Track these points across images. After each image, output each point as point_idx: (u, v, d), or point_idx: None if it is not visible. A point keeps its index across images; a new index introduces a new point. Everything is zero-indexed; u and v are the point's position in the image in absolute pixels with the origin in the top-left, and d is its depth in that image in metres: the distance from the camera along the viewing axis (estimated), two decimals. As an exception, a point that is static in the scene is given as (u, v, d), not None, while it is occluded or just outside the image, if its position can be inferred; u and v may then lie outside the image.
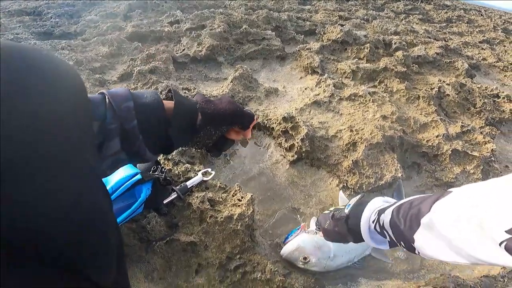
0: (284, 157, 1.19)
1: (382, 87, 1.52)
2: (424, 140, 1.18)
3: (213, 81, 1.72)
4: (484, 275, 0.86)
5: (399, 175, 1.04)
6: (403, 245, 0.49)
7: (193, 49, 1.92)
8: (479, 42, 3.11)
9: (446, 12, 5.23)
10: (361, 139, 1.14)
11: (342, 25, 2.66)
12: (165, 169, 0.93)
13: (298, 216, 1.01)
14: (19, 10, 2.69)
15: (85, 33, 2.20)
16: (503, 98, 1.52)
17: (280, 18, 2.34)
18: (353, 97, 1.39)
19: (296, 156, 1.15)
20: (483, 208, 0.35)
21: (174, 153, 1.05)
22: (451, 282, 0.79)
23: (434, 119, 1.27)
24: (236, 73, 1.56)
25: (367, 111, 1.29)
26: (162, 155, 1.05)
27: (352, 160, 1.08)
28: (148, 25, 2.31)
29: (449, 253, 0.40)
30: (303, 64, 1.78)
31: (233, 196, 0.94)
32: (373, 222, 0.54)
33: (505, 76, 2.08)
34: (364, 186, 1.04)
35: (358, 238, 0.58)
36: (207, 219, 0.85)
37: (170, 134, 0.45)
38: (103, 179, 0.32)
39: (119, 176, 0.85)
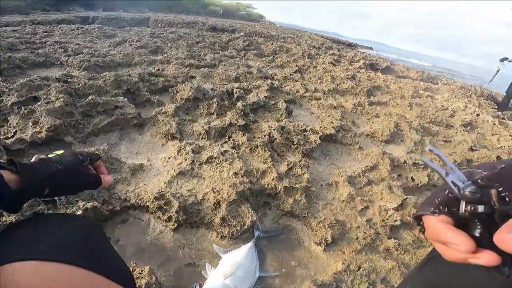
0: (166, 227, 1.33)
1: (231, 143, 1.89)
2: (265, 184, 1.59)
3: None
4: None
5: (254, 218, 1.39)
6: None
7: (28, 131, 1.68)
8: (293, 72, 4.16)
9: (272, 44, 6.53)
10: (222, 199, 1.42)
11: (192, 77, 2.99)
12: None
13: (195, 269, 1.19)
14: None
15: None
16: (309, 131, 2.20)
17: (130, 81, 2.40)
18: (210, 160, 1.68)
19: (176, 224, 1.32)
20: None
21: None
22: None
23: (269, 166, 1.72)
24: None
25: (223, 171, 1.61)
26: None
27: (220, 217, 1.35)
28: None
29: None
30: (162, 131, 1.94)
31: (133, 271, 1.03)
32: None
33: (311, 105, 2.94)
34: (234, 233, 1.32)
35: None
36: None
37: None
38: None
39: None
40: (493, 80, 5.60)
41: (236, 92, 2.53)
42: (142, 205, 1.38)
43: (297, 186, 1.60)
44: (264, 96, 2.59)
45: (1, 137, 1.62)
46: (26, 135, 1.64)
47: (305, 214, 1.50)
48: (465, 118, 3.42)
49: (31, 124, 1.71)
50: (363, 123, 2.88)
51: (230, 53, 4.80)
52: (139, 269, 1.04)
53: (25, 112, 1.78)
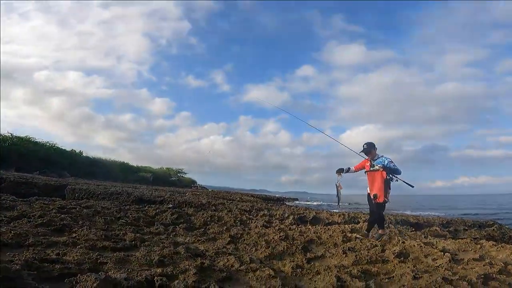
0: None
1: None
2: None
3: None
4: None
5: None
6: None
7: None
8: (226, 244, 3.95)
9: (203, 214, 6.52)
10: None
11: (103, 263, 2.46)
12: None
13: None
14: None
15: None
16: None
17: (9, 269, 1.77)
18: None
19: None
20: None
21: None
22: None
23: None
24: None
25: None
26: None
27: None
28: None
29: None
30: None
31: None
32: None
33: (249, 278, 2.61)
34: None
35: None
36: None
37: None
38: None
39: None
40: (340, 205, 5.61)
41: (157, 281, 2.09)
42: None
43: None
44: (193, 281, 2.19)
45: None
46: None
47: None
48: (395, 250, 3.54)
49: None
50: (306, 284, 2.68)
51: (157, 229, 4.47)
52: None
53: None
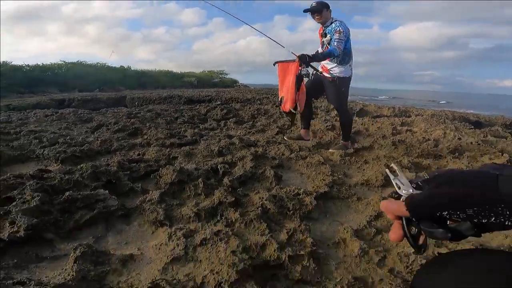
0: None
1: (224, 221, 1.78)
2: (268, 257, 1.47)
3: (49, 261, 1.48)
4: None
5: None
6: None
7: (6, 230, 1.58)
8: (275, 134, 4.29)
9: (250, 108, 6.80)
10: (223, 280, 1.29)
11: (175, 158, 2.96)
12: None
13: None
14: None
15: None
16: (302, 194, 2.15)
17: (109, 171, 2.32)
18: (204, 242, 1.55)
19: None
20: None
21: None
22: None
23: (267, 238, 1.60)
24: (77, 253, 1.41)
25: (219, 251, 1.48)
26: None
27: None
28: None
29: None
30: (149, 219, 1.82)
31: None
32: None
33: (299, 165, 2.96)
34: None
35: None
36: None
37: None
38: None
39: None
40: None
41: (221, 168, 2.51)
42: None
43: (302, 252, 1.49)
44: (250, 167, 2.58)
45: None
46: (4, 235, 1.54)
47: (318, 278, 1.38)
48: (449, 146, 3.45)
49: (8, 225, 1.62)
50: (355, 173, 2.87)
51: (210, 125, 4.94)
52: None
53: (1, 213, 1.69)
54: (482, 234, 0.39)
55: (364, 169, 2.92)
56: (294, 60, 2.98)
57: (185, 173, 2.30)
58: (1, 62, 15.14)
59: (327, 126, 4.52)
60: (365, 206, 2.15)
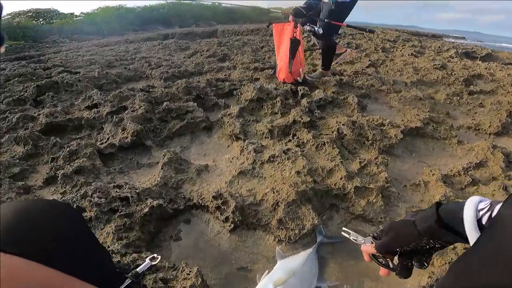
0: (224, 227, 1.30)
1: (295, 141, 1.78)
2: (332, 184, 1.42)
3: (146, 168, 1.76)
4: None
5: (316, 222, 1.24)
6: None
7: (118, 136, 1.91)
8: (366, 67, 3.78)
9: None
10: (281, 199, 1.32)
11: (257, 79, 2.98)
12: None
13: (247, 273, 1.12)
14: None
15: (-7, 127, 2.01)
16: (388, 125, 1.91)
17: (199, 86, 2.54)
18: (272, 159, 1.60)
19: (232, 225, 1.27)
20: None
21: (119, 247, 1.10)
22: None
23: (336, 163, 1.54)
24: (165, 159, 1.64)
25: (284, 170, 1.51)
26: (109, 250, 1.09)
27: (277, 219, 1.25)
28: (63, 112, 2.22)
29: None
30: (227, 132, 1.96)
31: (182, 271, 1.01)
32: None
33: (390, 98, 2.58)
34: (292, 237, 1.20)
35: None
36: (164, 295, 0.92)
37: None
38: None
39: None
40: None
41: (300, 90, 2.40)
42: (203, 204, 1.38)
43: (372, 186, 1.38)
44: (332, 92, 2.38)
45: (97, 143, 1.88)
46: (116, 140, 1.87)
47: (381, 218, 1.28)
48: None
49: (120, 131, 1.95)
50: (462, 115, 2.43)
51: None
52: (188, 270, 1.01)
53: (116, 120, 2.05)
54: None
55: (476, 112, 2.41)
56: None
57: (264, 91, 2.31)
58: (118, 6, 17.98)
59: (434, 65, 3.71)
60: (466, 151, 1.80)
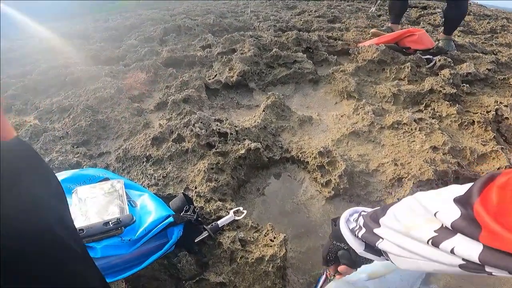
0: (320, 192, 1.11)
1: (429, 112, 1.39)
2: (483, 173, 1.04)
3: (245, 109, 1.70)
4: None
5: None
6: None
7: (225, 74, 1.92)
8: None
9: (489, 23, 4.87)
10: (408, 175, 1.03)
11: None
12: (197, 209, 0.90)
13: None
14: (68, 34, 2.94)
15: (126, 58, 2.30)
16: None
17: (310, 39, 2.30)
18: (396, 126, 1.28)
19: (333, 192, 1.07)
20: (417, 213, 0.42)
21: (206, 190, 1.02)
22: None
23: (494, 148, 1.12)
24: (268, 101, 1.52)
25: (414, 141, 1.18)
26: (194, 191, 1.03)
27: (398, 198, 0.97)
28: (182, 50, 2.38)
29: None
30: (338, 88, 1.70)
31: (265, 236, 0.88)
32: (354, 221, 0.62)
33: None
34: None
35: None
36: (238, 260, 0.82)
37: None
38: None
39: (152, 218, 0.84)
40: None
41: (439, 60, 1.90)
42: (302, 160, 1.21)
43: None
44: (487, 69, 1.80)
45: (206, 78, 1.92)
46: (222, 77, 1.88)
47: None
48: None
49: (227, 70, 1.96)
50: None
51: (424, 27, 3.88)
52: (272, 235, 0.86)
53: (225, 60, 2.06)
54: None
55: None
56: None
57: (389, 54, 1.91)
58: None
59: None
60: None
